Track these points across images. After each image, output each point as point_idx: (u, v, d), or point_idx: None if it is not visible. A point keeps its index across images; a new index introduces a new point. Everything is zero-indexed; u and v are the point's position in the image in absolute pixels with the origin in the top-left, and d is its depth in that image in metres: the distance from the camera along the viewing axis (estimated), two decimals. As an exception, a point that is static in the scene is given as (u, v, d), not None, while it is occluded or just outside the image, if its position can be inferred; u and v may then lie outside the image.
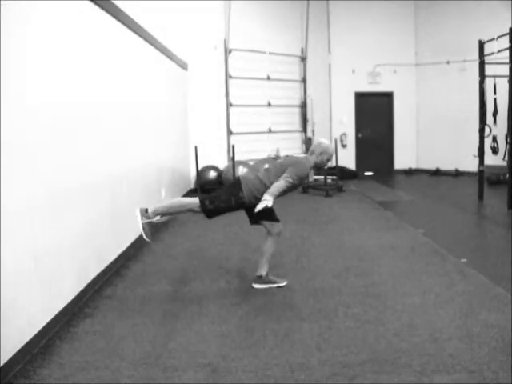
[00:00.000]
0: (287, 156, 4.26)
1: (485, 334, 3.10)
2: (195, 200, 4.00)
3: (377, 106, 13.29)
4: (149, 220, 3.95)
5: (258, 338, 3.16)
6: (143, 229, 3.92)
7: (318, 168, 4.25)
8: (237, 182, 4.03)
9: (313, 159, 4.16)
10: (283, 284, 4.14)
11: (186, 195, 9.06)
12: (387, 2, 12.66)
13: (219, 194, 4.06)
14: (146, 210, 3.96)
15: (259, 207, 3.72)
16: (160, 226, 6.58)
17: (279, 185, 3.85)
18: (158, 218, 4.01)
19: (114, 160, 4.80)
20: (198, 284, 4.29)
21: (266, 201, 3.73)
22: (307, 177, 4.17)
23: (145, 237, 3.95)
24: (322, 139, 4.36)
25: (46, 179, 3.23)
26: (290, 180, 3.88)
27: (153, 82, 6.70)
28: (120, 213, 4.92)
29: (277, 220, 4.14)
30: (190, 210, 4.02)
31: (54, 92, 3.39)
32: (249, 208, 4.01)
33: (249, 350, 2.98)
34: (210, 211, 3.97)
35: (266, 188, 3.89)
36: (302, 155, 4.24)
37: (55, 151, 3.39)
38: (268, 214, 4.07)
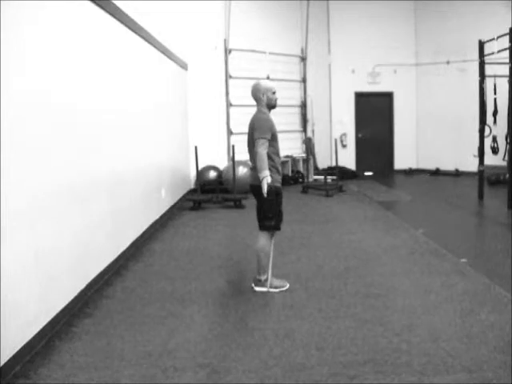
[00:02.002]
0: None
1: (485, 334, 3.10)
2: (263, 234, 4.03)
3: (377, 106, 13.28)
4: (269, 279, 4.03)
5: (258, 338, 3.16)
6: (276, 287, 4.03)
7: (273, 107, 4.06)
8: (254, 188, 4.01)
9: (263, 105, 4.01)
10: (285, 288, 4.10)
11: (186, 195, 9.06)
12: (387, 2, 12.66)
13: (262, 208, 4.01)
14: (259, 280, 4.05)
15: (264, 190, 3.69)
16: (161, 224, 6.57)
17: (259, 156, 3.75)
18: (270, 271, 4.05)
19: (115, 160, 4.80)
20: (198, 284, 4.28)
21: (264, 179, 3.69)
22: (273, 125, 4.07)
23: (285, 287, 4.06)
24: (254, 83, 4.11)
25: (46, 179, 3.23)
26: (263, 141, 3.78)
27: (153, 82, 6.70)
28: (120, 212, 4.92)
29: (279, 220, 4.10)
30: (270, 239, 4.05)
31: (54, 92, 3.40)
32: (281, 184, 4.04)
33: (249, 350, 2.98)
34: (276, 224, 4.00)
35: None
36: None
37: (56, 151, 3.39)
38: (277, 210, 4.04)
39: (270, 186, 3.74)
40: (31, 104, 3.05)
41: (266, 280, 4.04)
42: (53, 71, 3.41)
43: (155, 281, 4.40)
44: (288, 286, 4.12)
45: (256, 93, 4.03)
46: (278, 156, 4.04)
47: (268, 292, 4.01)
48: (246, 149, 4.10)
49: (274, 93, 4.04)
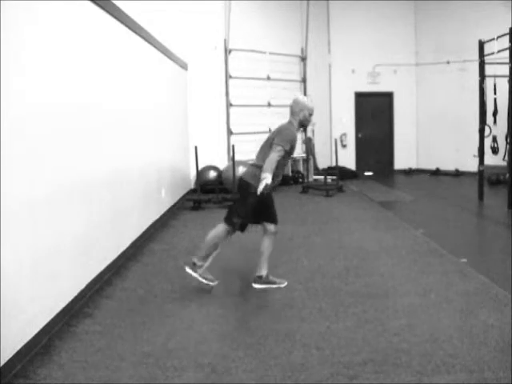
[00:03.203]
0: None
1: (485, 334, 3.10)
2: (223, 225, 4.02)
3: (377, 106, 13.28)
4: (202, 268, 4.00)
5: (258, 338, 3.16)
6: (204, 279, 3.99)
7: (304, 126, 4.14)
8: (241, 183, 4.02)
9: (296, 119, 4.06)
10: (283, 285, 4.13)
11: (186, 195, 9.06)
12: (387, 1, 12.66)
13: (238, 204, 4.05)
14: (194, 263, 4.01)
15: (260, 188, 3.67)
16: (161, 224, 6.58)
17: (271, 159, 3.77)
18: (209, 261, 4.04)
19: (115, 159, 4.80)
20: (198, 284, 4.28)
21: (265, 179, 3.68)
22: (296, 140, 4.09)
23: (211, 284, 4.02)
24: (297, 96, 4.23)
25: (46, 179, 3.23)
26: (280, 148, 3.81)
27: (153, 82, 6.70)
28: (120, 213, 4.92)
29: (275, 220, 4.12)
30: (227, 235, 4.04)
31: (55, 91, 3.39)
32: (270, 194, 3.99)
33: (249, 350, 2.98)
34: (242, 224, 3.99)
35: None
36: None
37: (56, 151, 3.39)
38: (269, 213, 4.06)
39: (265, 189, 3.71)
40: (31, 104, 3.04)
41: (201, 267, 3.99)
42: (53, 71, 3.40)
43: (155, 281, 4.40)
44: (286, 283, 4.13)
45: (295, 106, 4.09)
46: (283, 170, 4.06)
47: (196, 279, 3.97)
48: (256, 150, 4.12)
49: (310, 114, 4.11)
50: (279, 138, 3.87)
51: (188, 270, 4.02)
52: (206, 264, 4.02)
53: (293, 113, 4.08)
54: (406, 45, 12.97)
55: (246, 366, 2.79)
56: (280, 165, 3.91)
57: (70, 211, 3.62)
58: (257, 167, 3.96)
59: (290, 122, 4.08)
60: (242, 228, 4.09)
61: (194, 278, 3.99)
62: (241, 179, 4.08)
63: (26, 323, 2.93)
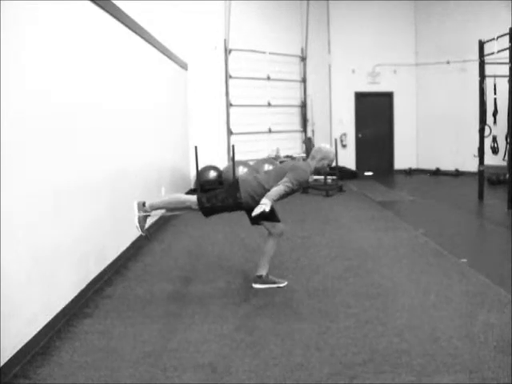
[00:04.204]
0: (288, 157, 4.27)
1: (485, 334, 3.10)
2: (193, 197, 4.03)
3: (377, 105, 13.28)
4: (146, 214, 3.99)
5: (258, 338, 3.16)
6: (138, 222, 3.97)
7: (319, 174, 4.26)
8: (235, 183, 4.04)
9: (313, 164, 4.14)
10: (283, 285, 4.14)
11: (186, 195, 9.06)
12: (387, 1, 12.66)
13: (217, 193, 4.08)
14: (144, 204, 4.00)
15: (256, 211, 3.67)
16: (161, 224, 6.58)
17: (278, 189, 3.82)
18: (153, 213, 4.05)
19: (115, 159, 4.81)
20: (198, 284, 4.29)
21: (264, 205, 3.68)
22: (307, 182, 4.16)
23: (139, 230, 4.00)
24: (322, 144, 4.36)
25: (46, 179, 3.23)
26: (289, 185, 3.86)
27: (153, 82, 6.70)
28: (120, 212, 4.92)
29: (278, 221, 4.15)
30: (188, 207, 4.06)
31: (54, 91, 3.40)
32: (247, 209, 4.02)
33: (249, 350, 2.98)
34: (207, 209, 3.99)
35: (264, 190, 3.87)
36: (302, 158, 4.26)
37: (56, 151, 3.39)
38: (269, 215, 4.08)
39: (264, 210, 3.69)
40: (31, 104, 3.05)
41: (145, 212, 3.98)
42: (53, 71, 3.41)
43: (155, 281, 4.40)
44: (286, 283, 4.13)
45: (317, 152, 4.17)
46: (280, 197, 4.00)
47: (134, 216, 3.94)
48: (267, 167, 4.12)
49: (329, 165, 4.20)
50: (292, 175, 3.91)
51: (135, 204, 4.00)
52: (150, 213, 4.03)
53: (313, 158, 4.17)
54: (406, 45, 12.97)
55: (246, 366, 2.79)
56: (281, 196, 3.93)
57: (70, 211, 3.62)
58: (259, 184, 3.96)
59: (307, 164, 4.15)
60: (206, 213, 4.06)
61: (133, 213, 3.97)
62: (236, 181, 4.07)
63: (26, 323, 2.93)
